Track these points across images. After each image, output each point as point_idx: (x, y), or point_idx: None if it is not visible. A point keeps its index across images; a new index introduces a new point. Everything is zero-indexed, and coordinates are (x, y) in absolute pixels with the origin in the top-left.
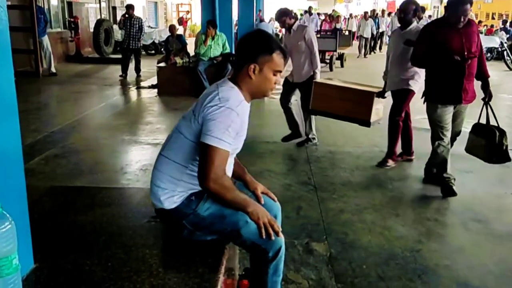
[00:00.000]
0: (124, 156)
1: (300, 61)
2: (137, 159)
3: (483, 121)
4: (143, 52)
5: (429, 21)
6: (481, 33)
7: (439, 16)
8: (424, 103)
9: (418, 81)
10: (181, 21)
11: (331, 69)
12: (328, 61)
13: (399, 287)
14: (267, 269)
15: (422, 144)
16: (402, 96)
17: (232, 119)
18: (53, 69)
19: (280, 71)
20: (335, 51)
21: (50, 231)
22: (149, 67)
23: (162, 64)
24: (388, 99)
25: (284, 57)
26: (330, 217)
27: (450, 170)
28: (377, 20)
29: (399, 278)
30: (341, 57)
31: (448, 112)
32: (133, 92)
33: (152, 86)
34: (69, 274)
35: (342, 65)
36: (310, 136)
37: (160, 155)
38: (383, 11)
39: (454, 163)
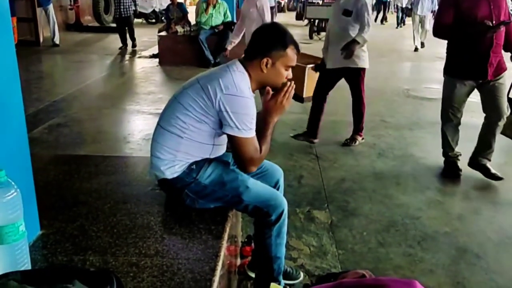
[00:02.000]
0: (127, 126)
1: (251, 29)
2: (139, 129)
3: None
4: (143, 21)
5: None
6: None
7: None
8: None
9: (364, 56)
10: None
11: None
12: None
13: (398, 253)
14: (271, 232)
15: (425, 113)
16: (354, 78)
17: (252, 107)
18: (56, 40)
19: (293, 66)
20: None
21: (55, 198)
22: (150, 36)
23: (163, 33)
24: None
25: (298, 52)
26: (332, 185)
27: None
28: None
29: (399, 244)
30: None
31: (465, 92)
32: (134, 62)
33: (153, 56)
34: (75, 240)
35: None
36: None
37: (158, 125)
38: None
39: None
